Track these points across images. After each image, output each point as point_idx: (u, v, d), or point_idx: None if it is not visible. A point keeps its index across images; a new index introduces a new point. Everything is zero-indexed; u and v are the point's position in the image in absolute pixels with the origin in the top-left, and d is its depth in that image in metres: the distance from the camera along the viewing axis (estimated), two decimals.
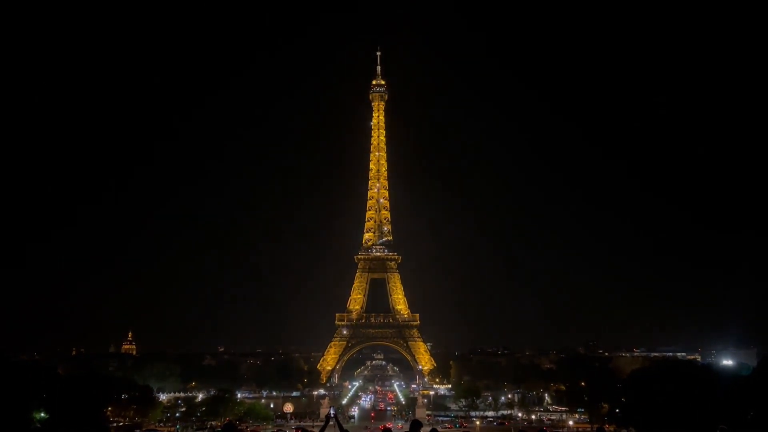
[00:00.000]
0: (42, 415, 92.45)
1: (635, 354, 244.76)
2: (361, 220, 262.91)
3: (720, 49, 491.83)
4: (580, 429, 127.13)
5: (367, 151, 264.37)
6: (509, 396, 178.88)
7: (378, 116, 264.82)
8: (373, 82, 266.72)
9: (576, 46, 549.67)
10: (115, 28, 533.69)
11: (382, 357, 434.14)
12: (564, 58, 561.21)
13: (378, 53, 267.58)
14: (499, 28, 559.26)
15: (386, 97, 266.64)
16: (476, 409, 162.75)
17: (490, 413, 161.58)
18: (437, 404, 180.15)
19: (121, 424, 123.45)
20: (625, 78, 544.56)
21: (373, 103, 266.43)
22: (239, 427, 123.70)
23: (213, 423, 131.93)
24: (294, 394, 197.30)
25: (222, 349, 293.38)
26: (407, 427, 16.83)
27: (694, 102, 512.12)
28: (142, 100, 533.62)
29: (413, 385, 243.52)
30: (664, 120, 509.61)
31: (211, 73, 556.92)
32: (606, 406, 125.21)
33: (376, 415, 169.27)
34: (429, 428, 17.89)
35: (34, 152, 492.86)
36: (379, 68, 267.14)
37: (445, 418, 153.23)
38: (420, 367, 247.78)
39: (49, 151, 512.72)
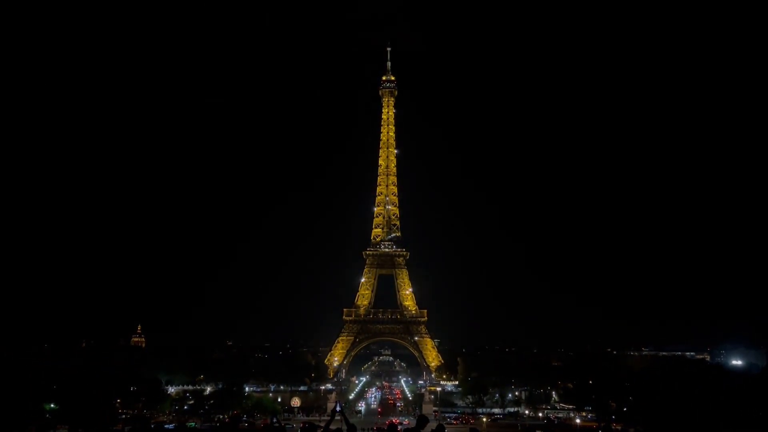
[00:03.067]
0: (52, 406, 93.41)
1: (644, 353, 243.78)
2: (370, 216, 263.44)
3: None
4: (587, 427, 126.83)
5: (377, 147, 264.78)
6: (516, 393, 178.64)
7: (388, 112, 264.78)
8: (383, 78, 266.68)
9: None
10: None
11: (389, 353, 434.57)
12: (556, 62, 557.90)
13: (388, 49, 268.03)
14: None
15: (396, 92, 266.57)
16: (483, 405, 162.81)
17: (497, 410, 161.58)
18: (444, 400, 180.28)
19: (130, 416, 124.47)
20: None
21: (383, 99, 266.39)
22: (248, 421, 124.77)
23: (221, 416, 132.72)
24: (301, 388, 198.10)
25: (230, 343, 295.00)
26: (413, 422, 16.88)
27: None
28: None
29: (420, 381, 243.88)
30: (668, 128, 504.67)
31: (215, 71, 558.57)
32: (614, 404, 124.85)
33: (383, 410, 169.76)
34: (435, 424, 17.92)
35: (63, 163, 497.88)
36: (389, 64, 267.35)
37: (452, 414, 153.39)
38: (427, 363, 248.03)
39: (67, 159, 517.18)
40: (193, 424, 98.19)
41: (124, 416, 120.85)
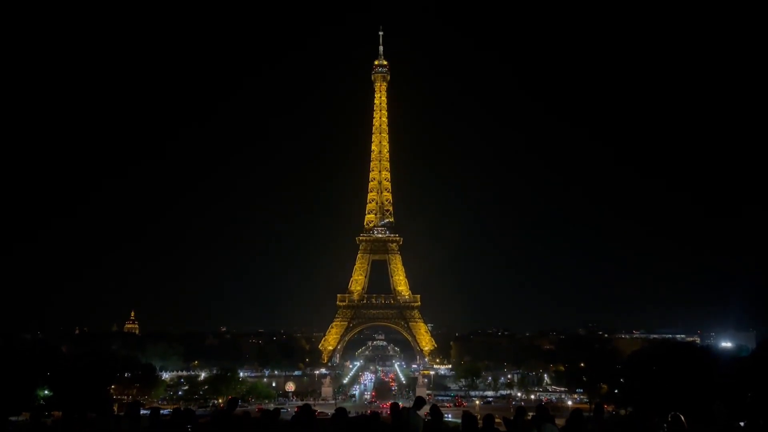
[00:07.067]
0: (46, 392, 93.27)
1: (635, 336, 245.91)
2: (363, 202, 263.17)
3: (719, 37, 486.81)
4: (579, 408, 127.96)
5: (370, 133, 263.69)
6: (509, 376, 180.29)
7: (380, 97, 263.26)
8: (375, 63, 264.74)
9: (566, 30, 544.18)
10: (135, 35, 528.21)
11: (383, 337, 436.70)
12: (555, 43, 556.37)
13: (380, 33, 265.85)
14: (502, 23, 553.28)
15: (388, 77, 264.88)
16: (476, 388, 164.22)
17: (490, 393, 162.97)
18: (438, 384, 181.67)
19: (125, 401, 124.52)
20: (616, 61, 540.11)
21: (375, 84, 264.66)
22: (242, 406, 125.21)
23: (215, 401, 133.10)
24: (296, 373, 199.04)
25: (224, 329, 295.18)
26: (407, 405, 17.01)
27: (691, 84, 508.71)
28: (164, 96, 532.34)
29: (414, 365, 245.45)
30: (660, 103, 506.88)
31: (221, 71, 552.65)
32: (605, 386, 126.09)
33: (377, 393, 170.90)
34: (431, 405, 18.30)
35: (49, 134, 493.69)
36: (381, 48, 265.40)
37: (445, 398, 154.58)
38: (421, 347, 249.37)
39: (65, 135, 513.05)
40: None
41: (118, 402, 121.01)
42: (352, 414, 20.75)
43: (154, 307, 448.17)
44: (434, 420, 15.97)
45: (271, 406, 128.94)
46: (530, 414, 16.73)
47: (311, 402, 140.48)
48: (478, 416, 16.07)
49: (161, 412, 17.24)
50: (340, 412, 15.38)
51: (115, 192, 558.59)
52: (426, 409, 17.43)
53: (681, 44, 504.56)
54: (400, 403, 17.53)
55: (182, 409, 16.06)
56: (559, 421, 16.16)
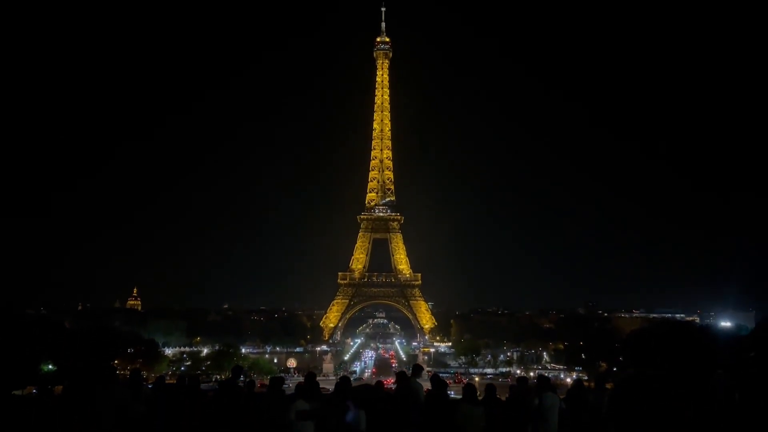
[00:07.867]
0: (50, 367, 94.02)
1: (634, 315, 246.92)
2: (365, 180, 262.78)
3: (721, 21, 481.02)
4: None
5: (372, 111, 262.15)
6: (508, 354, 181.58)
7: (382, 74, 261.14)
8: (378, 39, 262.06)
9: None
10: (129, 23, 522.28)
11: (384, 315, 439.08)
12: (557, 24, 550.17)
13: (383, 9, 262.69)
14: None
15: (391, 54, 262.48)
16: (476, 366, 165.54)
17: (490, 370, 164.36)
18: (438, 361, 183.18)
19: (127, 376, 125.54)
20: (618, 42, 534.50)
21: (377, 61, 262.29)
22: (245, 381, 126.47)
23: (218, 377, 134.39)
24: (297, 350, 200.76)
25: (226, 306, 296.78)
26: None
27: (691, 69, 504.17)
28: (167, 75, 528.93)
29: (414, 343, 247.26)
30: (658, 83, 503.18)
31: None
32: (604, 365, 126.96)
33: (378, 370, 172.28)
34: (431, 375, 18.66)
35: (49, 112, 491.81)
36: (383, 25, 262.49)
37: (445, 375, 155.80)
38: (421, 325, 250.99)
39: (69, 109, 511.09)
40: None
41: (120, 378, 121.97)
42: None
43: (157, 283, 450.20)
44: (437, 389, 15.95)
45: None
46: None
47: None
48: (478, 391, 16.19)
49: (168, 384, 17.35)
50: (344, 380, 15.48)
51: (118, 168, 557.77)
52: (427, 384, 17.54)
53: (682, 28, 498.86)
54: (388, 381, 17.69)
55: (186, 380, 16.13)
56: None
